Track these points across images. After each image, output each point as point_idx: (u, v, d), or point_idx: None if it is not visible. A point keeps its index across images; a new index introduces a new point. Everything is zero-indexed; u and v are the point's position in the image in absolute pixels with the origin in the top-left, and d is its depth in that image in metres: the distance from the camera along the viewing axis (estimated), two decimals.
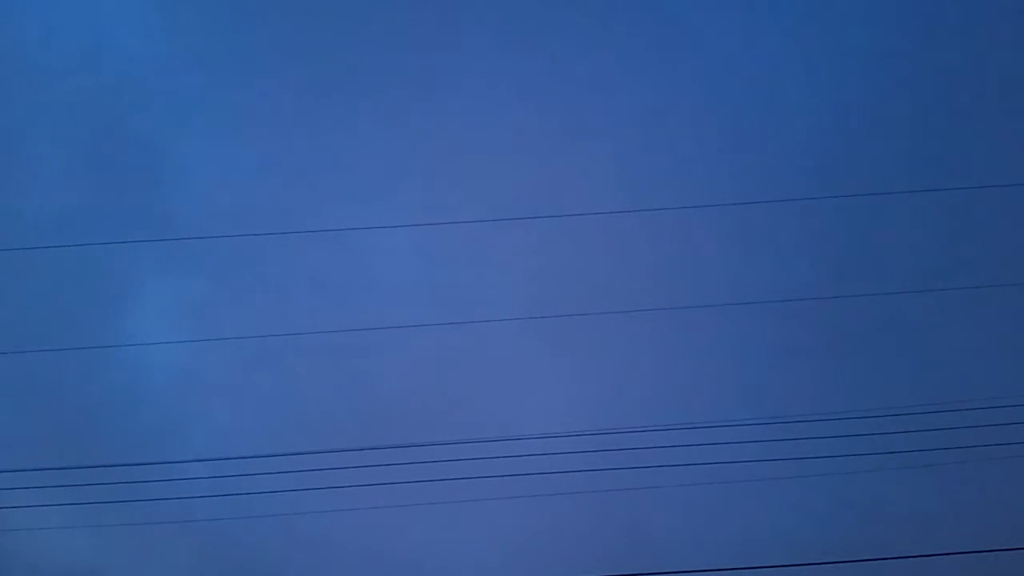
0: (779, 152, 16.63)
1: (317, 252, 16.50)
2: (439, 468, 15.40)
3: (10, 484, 15.48)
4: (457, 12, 16.86)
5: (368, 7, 17.01)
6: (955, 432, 15.40)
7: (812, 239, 16.45)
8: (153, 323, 16.47)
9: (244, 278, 16.53)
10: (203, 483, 15.58)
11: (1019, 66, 16.62)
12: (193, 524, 15.57)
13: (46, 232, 16.43)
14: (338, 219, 16.46)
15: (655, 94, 16.80)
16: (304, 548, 15.79)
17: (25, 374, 16.04)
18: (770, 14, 17.08)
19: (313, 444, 15.60)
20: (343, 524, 15.58)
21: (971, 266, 16.18)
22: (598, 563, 15.06)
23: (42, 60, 16.91)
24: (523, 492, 15.36)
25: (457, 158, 16.69)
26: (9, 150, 16.70)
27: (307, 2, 17.08)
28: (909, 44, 16.90)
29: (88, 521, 15.66)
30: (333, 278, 16.53)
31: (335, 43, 17.11)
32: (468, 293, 16.38)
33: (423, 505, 15.55)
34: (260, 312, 16.30)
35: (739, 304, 16.17)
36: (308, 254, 16.51)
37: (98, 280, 16.59)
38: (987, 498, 15.33)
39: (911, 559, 14.49)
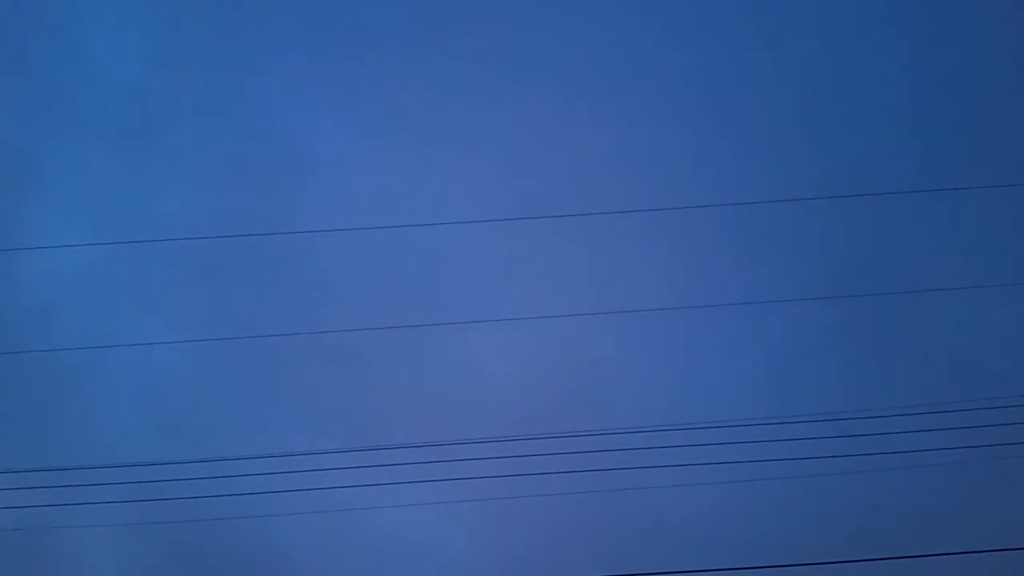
0: (780, 152, 16.66)
1: (317, 252, 16.49)
2: (440, 468, 15.40)
3: (9, 484, 15.49)
4: (461, 12, 16.87)
5: (369, 5, 17.03)
6: (955, 432, 15.42)
7: (812, 239, 16.47)
8: (153, 323, 16.46)
9: (244, 278, 16.52)
10: (203, 483, 15.56)
11: (1021, 66, 16.66)
12: (192, 524, 15.55)
13: (46, 232, 16.50)
14: (338, 219, 16.45)
15: (656, 94, 16.82)
16: (304, 548, 15.78)
17: (24, 374, 16.04)
18: (773, 15, 17.10)
19: (313, 444, 15.60)
20: (343, 524, 15.58)
21: (971, 266, 16.20)
22: (599, 563, 15.06)
23: None
24: (524, 492, 15.36)
25: (457, 158, 16.71)
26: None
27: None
28: (911, 44, 16.94)
29: (87, 521, 15.65)
30: (333, 278, 16.53)
31: (335, 43, 17.12)
32: (468, 293, 16.39)
33: (423, 505, 15.56)
34: (260, 312, 16.29)
35: (739, 304, 16.18)
36: (308, 254, 16.50)
37: (100, 282, 16.63)
38: (987, 498, 15.34)
39: (911, 559, 14.49)
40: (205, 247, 16.37)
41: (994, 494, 15.36)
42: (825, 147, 16.64)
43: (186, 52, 17.06)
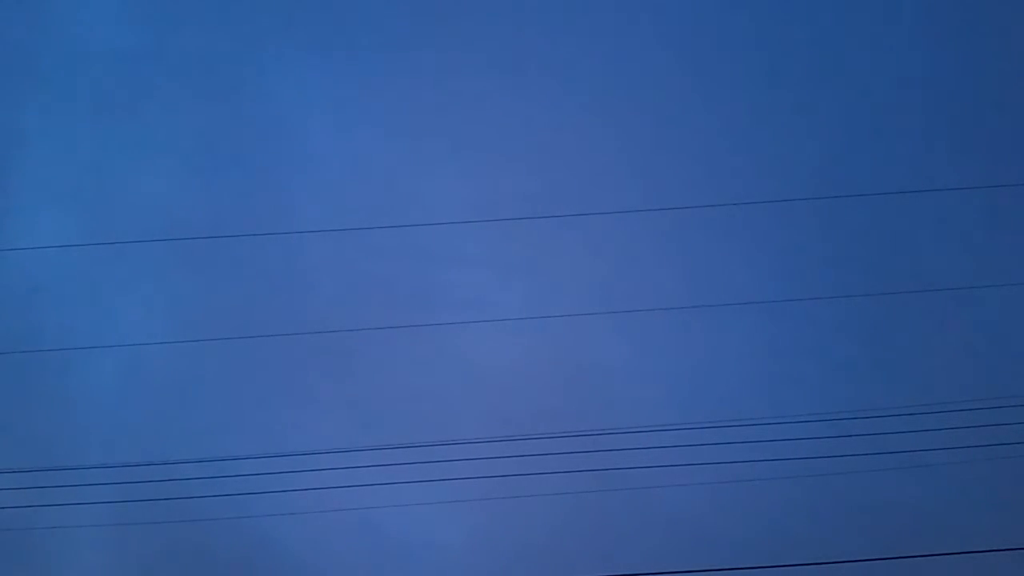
0: (780, 152, 16.67)
1: (313, 251, 16.47)
2: (439, 468, 15.39)
3: (9, 484, 15.44)
4: (459, 9, 16.87)
5: (369, 5, 17.03)
6: (955, 432, 15.44)
7: (812, 239, 16.48)
8: (149, 323, 16.42)
9: (241, 277, 16.48)
10: (198, 483, 15.53)
11: (1021, 66, 16.71)
12: (188, 524, 15.52)
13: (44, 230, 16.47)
14: (335, 218, 16.44)
15: (656, 94, 16.83)
16: (303, 548, 15.75)
17: (17, 374, 16.00)
18: (773, 14, 17.13)
19: (311, 444, 15.57)
20: (342, 524, 15.55)
21: (970, 266, 16.24)
22: (599, 563, 15.06)
23: None
24: (524, 492, 15.35)
25: (457, 157, 16.70)
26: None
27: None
28: (911, 44, 16.97)
29: (80, 521, 15.60)
30: (331, 277, 16.51)
31: (331, 38, 17.11)
32: (467, 293, 16.38)
33: (423, 505, 15.53)
34: (258, 312, 16.26)
35: (739, 304, 16.19)
36: (304, 253, 16.48)
37: (94, 281, 16.58)
38: (987, 498, 15.36)
39: (911, 559, 14.51)
40: (198, 246, 16.35)
41: (994, 494, 15.38)
42: (825, 147, 16.66)
43: (179, 48, 17.05)
